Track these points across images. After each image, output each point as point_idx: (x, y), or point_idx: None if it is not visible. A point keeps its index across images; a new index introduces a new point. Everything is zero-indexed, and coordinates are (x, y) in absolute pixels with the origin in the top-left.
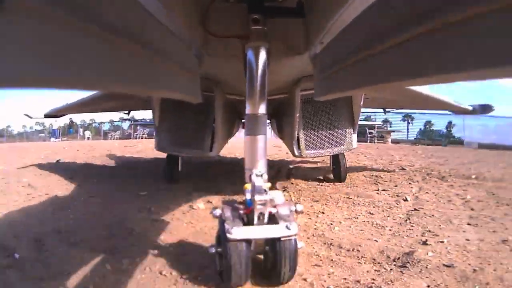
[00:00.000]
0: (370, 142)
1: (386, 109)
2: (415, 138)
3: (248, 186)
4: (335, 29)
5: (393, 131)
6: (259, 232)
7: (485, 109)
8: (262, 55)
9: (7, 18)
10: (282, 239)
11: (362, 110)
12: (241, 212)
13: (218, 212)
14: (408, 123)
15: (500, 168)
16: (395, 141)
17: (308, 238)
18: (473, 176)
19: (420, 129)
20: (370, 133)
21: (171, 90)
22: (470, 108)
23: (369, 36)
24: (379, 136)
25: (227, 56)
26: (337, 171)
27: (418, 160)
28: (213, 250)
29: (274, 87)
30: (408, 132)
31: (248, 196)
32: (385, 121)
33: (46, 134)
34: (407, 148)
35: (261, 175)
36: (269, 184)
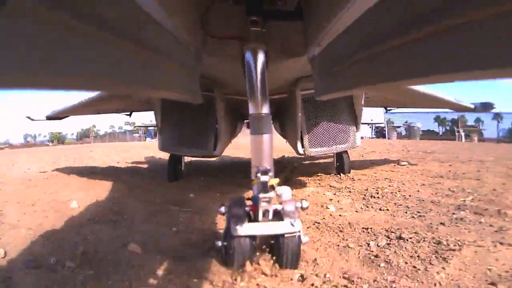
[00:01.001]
0: (458, 140)
1: (388, 108)
2: (500, 137)
3: (256, 182)
4: (333, 32)
5: (480, 130)
6: (264, 228)
7: (486, 107)
8: (260, 56)
9: (7, 19)
10: (286, 235)
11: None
12: (247, 208)
13: (224, 209)
14: (498, 122)
15: (475, 151)
16: (481, 140)
17: None
18: (429, 151)
19: (509, 128)
20: (457, 131)
21: (171, 90)
22: (472, 106)
23: (367, 38)
24: (466, 135)
25: (226, 57)
26: (340, 168)
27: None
28: (219, 244)
29: (275, 87)
30: (498, 131)
31: (255, 192)
32: (477, 120)
33: (141, 135)
34: (468, 143)
35: (267, 172)
36: (277, 180)
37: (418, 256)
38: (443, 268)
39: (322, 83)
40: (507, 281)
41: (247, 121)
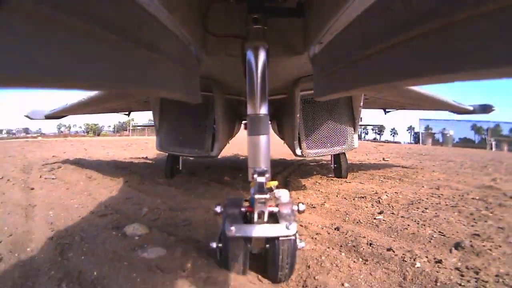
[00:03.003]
0: (490, 149)
1: (387, 110)
2: None
3: (253, 183)
4: (335, 29)
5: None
6: (258, 230)
7: (485, 109)
8: (262, 54)
9: (7, 18)
10: (281, 238)
11: None
12: (243, 209)
13: (220, 209)
14: None
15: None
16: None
17: None
18: (424, 154)
19: None
20: (489, 140)
21: (171, 90)
22: (471, 108)
23: (368, 36)
24: (496, 144)
25: (227, 56)
26: (338, 170)
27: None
28: (214, 245)
29: (274, 87)
30: None
31: (252, 194)
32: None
33: None
34: (490, 152)
35: (263, 173)
36: (275, 182)
37: (335, 181)
38: (341, 184)
39: (322, 83)
40: (367, 194)
41: (245, 122)
